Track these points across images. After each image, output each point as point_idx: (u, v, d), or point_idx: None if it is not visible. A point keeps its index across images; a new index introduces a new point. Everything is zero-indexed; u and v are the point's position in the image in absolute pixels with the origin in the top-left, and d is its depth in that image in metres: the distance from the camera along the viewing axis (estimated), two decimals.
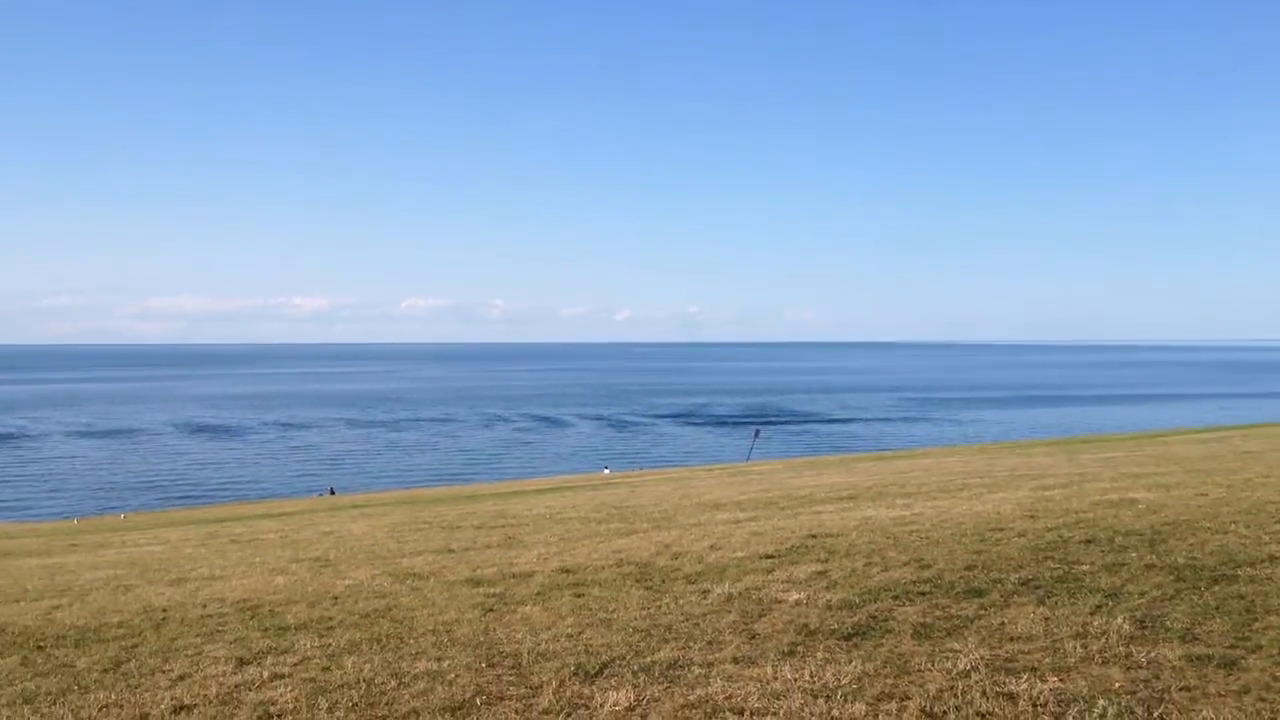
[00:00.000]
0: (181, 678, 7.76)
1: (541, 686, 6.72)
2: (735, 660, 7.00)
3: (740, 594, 9.17)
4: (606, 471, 59.82)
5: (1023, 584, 8.69)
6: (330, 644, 8.50)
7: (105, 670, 8.27)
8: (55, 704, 7.33)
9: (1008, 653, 6.76)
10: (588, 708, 6.28)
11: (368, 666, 7.59)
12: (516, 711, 6.32)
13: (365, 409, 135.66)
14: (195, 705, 6.94)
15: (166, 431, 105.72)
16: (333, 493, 56.87)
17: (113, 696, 7.37)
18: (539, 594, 10.03)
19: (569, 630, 8.26)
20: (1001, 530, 11.69)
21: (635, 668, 6.98)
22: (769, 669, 6.73)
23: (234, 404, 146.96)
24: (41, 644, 9.62)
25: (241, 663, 8.06)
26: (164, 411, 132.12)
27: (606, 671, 6.95)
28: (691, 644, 7.51)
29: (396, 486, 61.83)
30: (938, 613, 7.94)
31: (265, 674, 7.62)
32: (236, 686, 7.33)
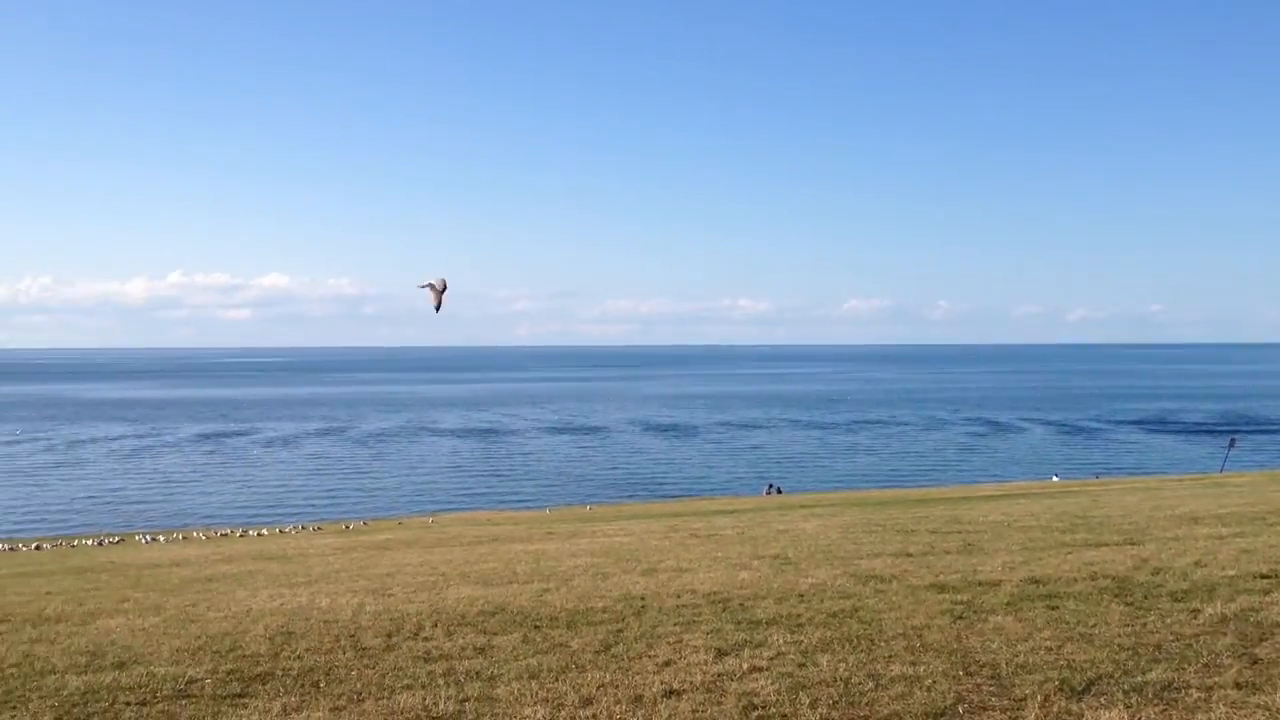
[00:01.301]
0: (667, 663, 8.24)
1: (1025, 699, 6.57)
2: (1238, 686, 6.52)
3: (1235, 615, 8.52)
4: (1055, 479, 57.10)
5: None
6: (802, 640, 8.72)
7: (597, 652, 8.91)
8: (557, 680, 7.99)
9: None
10: None
11: (842, 666, 7.73)
12: None
13: (809, 409, 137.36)
14: (684, 691, 7.36)
15: (624, 428, 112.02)
16: (779, 491, 57.99)
17: (607, 677, 7.94)
18: (1009, 604, 9.78)
19: (1047, 643, 8.01)
20: None
21: (1125, 687, 6.66)
22: (1279, 698, 6.21)
23: (686, 403, 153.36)
24: (538, 624, 10.50)
25: (720, 653, 8.44)
26: (622, 409, 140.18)
27: (1094, 689, 6.68)
28: (1185, 665, 7.07)
29: (842, 488, 62.15)
30: None
31: (744, 665, 7.95)
32: (719, 676, 7.69)
